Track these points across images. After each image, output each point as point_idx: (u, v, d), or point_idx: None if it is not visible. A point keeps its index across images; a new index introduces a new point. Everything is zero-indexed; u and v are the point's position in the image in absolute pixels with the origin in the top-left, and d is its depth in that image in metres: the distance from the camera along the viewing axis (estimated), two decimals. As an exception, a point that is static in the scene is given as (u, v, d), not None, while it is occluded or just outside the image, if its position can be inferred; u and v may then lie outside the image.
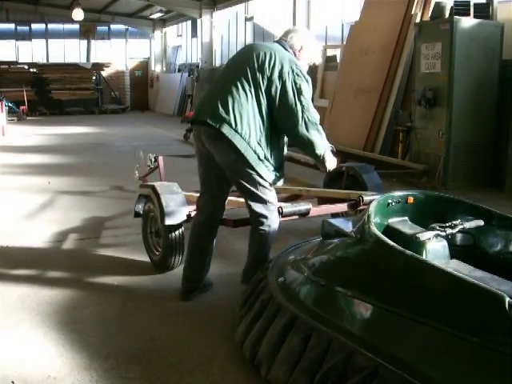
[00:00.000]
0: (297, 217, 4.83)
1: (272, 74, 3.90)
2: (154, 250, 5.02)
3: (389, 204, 3.39)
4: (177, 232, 4.69)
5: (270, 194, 4.05)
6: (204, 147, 4.05)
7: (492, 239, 3.30)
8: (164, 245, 4.75)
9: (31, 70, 25.97)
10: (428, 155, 8.93)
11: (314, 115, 4.01)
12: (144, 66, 30.35)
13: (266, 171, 3.95)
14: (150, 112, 27.35)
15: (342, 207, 5.14)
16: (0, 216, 6.95)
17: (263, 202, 4.02)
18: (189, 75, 23.89)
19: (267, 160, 3.95)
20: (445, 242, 3.08)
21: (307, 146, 4.03)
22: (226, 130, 3.82)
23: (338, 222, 3.55)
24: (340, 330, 2.69)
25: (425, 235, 2.97)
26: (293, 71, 3.94)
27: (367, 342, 2.54)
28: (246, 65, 3.96)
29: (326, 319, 2.81)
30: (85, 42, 28.59)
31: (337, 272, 3.10)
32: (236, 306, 3.72)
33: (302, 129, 3.93)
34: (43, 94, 25.00)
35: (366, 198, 5.02)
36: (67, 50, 28.34)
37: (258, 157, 3.90)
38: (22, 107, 22.57)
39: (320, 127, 4.06)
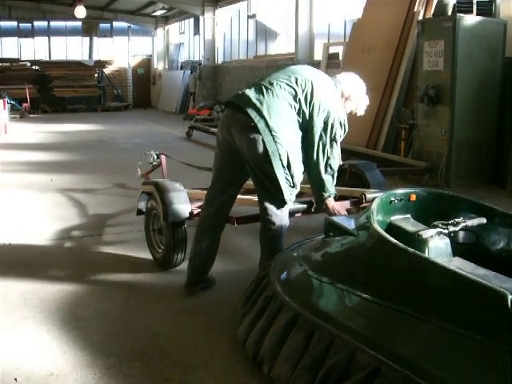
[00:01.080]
0: (299, 214, 4.83)
1: (314, 110, 4.05)
2: (157, 247, 5.03)
3: (391, 202, 3.39)
4: (179, 229, 4.69)
5: (287, 194, 4.05)
6: (230, 136, 4.05)
7: (495, 237, 3.30)
8: (166, 242, 4.75)
9: (34, 67, 25.96)
10: (430, 153, 8.91)
11: (336, 163, 4.22)
12: (146, 63, 30.35)
13: (283, 180, 3.97)
14: (153, 109, 27.35)
15: (345, 205, 5.13)
16: (3, 213, 6.96)
17: (278, 201, 4.07)
18: (191, 73, 23.88)
19: (289, 170, 3.97)
20: (447, 240, 3.08)
21: (318, 182, 4.20)
22: (261, 125, 3.87)
23: (341, 220, 3.55)
24: (342, 327, 2.69)
25: (427, 233, 2.97)
26: (339, 121, 4.17)
27: (370, 340, 2.54)
28: (296, 83, 4.09)
29: (329, 317, 2.81)
30: (87, 39, 28.59)
31: (339, 269, 3.10)
32: (239, 304, 3.73)
33: (321, 168, 4.13)
34: (46, 91, 25.00)
35: (369, 196, 5.02)
36: (69, 48, 28.34)
37: (282, 163, 3.92)
38: (24, 104, 22.57)
39: (336, 174, 4.27)
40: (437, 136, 8.77)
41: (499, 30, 8.66)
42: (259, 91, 4.08)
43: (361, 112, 4.65)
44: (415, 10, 10.57)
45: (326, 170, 4.14)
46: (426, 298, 2.52)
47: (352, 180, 5.99)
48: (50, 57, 27.84)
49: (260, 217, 4.20)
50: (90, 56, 28.36)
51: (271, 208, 4.07)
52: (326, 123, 4.07)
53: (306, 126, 4.05)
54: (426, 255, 2.89)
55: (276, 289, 3.27)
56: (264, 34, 19.64)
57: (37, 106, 24.02)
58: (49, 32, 28.02)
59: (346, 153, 10.17)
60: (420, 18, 10.27)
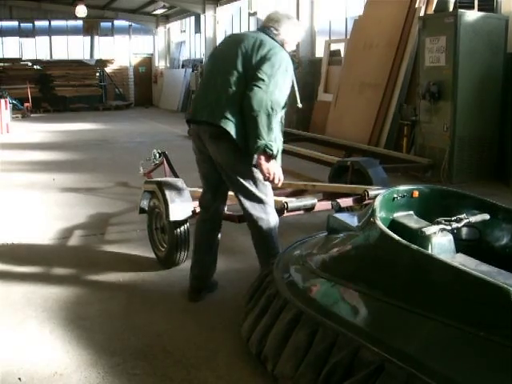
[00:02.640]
0: (302, 212, 4.83)
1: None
2: (160, 246, 5.03)
3: (394, 198, 3.38)
4: (182, 228, 4.69)
5: (267, 192, 3.99)
6: (205, 147, 3.99)
7: (498, 233, 3.30)
8: (169, 241, 4.75)
9: (35, 66, 25.95)
10: (433, 149, 8.90)
11: (278, 106, 3.71)
12: (148, 62, 30.33)
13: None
14: (154, 108, 27.34)
15: (348, 202, 5.13)
16: (5, 213, 6.97)
17: (260, 201, 3.95)
18: (192, 71, 23.84)
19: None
20: (450, 236, 3.07)
21: (252, 124, 3.70)
22: (227, 125, 3.74)
23: (344, 217, 3.55)
24: (346, 324, 2.69)
25: (430, 229, 2.96)
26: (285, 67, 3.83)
27: (373, 337, 2.53)
28: (236, 56, 3.85)
29: (332, 314, 2.81)
30: (88, 38, 28.57)
31: (342, 267, 3.10)
32: (242, 302, 3.72)
33: (257, 106, 3.65)
34: (47, 90, 25.00)
35: (372, 193, 5.02)
36: (71, 47, 28.32)
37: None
38: (26, 104, 22.59)
39: (276, 122, 3.74)
40: (439, 132, 8.76)
41: (501, 26, 8.64)
42: (207, 91, 3.97)
43: (299, 39, 4.36)
44: (416, 6, 10.55)
45: (262, 111, 3.64)
46: (430, 294, 2.51)
47: (354, 177, 5.99)
48: (51, 56, 27.83)
49: (247, 223, 4.10)
50: (92, 55, 28.36)
51: (254, 213, 3.97)
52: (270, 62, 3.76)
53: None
54: (429, 252, 2.89)
55: (279, 287, 3.27)
56: (265, 31, 19.62)
57: (38, 106, 24.02)
58: (50, 31, 28.01)
59: (348, 150, 10.27)
60: (421, 14, 10.26)
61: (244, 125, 3.75)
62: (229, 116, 3.76)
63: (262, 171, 3.80)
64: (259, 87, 3.67)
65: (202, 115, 3.91)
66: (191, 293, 4.30)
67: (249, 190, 3.92)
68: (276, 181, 3.84)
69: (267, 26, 4.09)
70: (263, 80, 3.69)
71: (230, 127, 3.75)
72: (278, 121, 3.81)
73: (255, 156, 3.79)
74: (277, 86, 3.72)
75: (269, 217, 4.00)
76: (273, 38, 3.98)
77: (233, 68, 3.84)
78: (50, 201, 7.57)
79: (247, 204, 3.97)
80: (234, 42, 4.03)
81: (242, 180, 3.90)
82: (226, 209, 4.45)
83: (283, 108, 3.83)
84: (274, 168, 3.79)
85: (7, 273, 4.84)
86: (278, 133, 3.84)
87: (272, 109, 3.66)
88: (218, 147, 3.87)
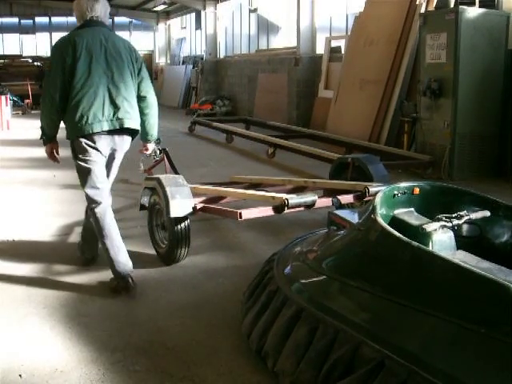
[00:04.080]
0: (302, 208, 4.83)
1: (133, 58, 4.53)
2: (160, 242, 5.03)
3: (395, 195, 3.38)
4: (183, 224, 4.69)
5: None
6: (109, 149, 4.43)
7: (498, 230, 3.30)
8: (170, 237, 4.75)
9: (35, 63, 25.95)
10: (433, 146, 8.90)
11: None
12: (148, 58, 30.33)
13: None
14: (155, 104, 27.30)
15: (348, 198, 5.13)
16: (6, 210, 6.97)
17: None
18: (193, 67, 23.87)
19: None
20: (451, 233, 3.07)
21: (155, 115, 4.83)
22: (129, 123, 4.37)
23: (344, 214, 3.55)
24: (346, 321, 2.69)
25: (431, 226, 2.96)
26: (133, 47, 4.64)
27: (374, 334, 2.54)
28: (119, 59, 4.37)
29: (333, 311, 2.81)
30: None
31: (343, 263, 3.10)
32: (242, 298, 3.73)
33: (156, 100, 4.84)
34: (48, 87, 24.95)
35: (372, 189, 5.02)
36: (71, 43, 28.28)
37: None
38: (26, 101, 22.56)
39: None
40: (440, 129, 8.76)
41: (502, 22, 8.64)
42: (97, 98, 4.23)
43: None
44: (417, 2, 10.56)
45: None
46: (430, 291, 2.51)
47: (355, 174, 5.99)
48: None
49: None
50: (92, 51, 28.31)
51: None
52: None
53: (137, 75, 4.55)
54: (430, 248, 2.89)
55: (280, 283, 3.27)
56: (266, 28, 19.63)
57: (39, 103, 23.82)
58: (50, 28, 28.03)
59: (348, 146, 10.27)
60: (422, 10, 10.25)
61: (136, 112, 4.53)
62: (127, 112, 4.44)
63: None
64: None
65: (104, 125, 4.36)
66: (85, 262, 4.83)
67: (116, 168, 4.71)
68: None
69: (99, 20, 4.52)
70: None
71: (131, 123, 4.46)
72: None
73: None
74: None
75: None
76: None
77: (109, 68, 4.40)
78: (50, 197, 7.57)
79: (112, 177, 4.70)
80: (97, 41, 4.39)
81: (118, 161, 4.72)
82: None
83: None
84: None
85: (8, 269, 4.83)
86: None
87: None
88: (121, 143, 4.54)
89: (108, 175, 4.55)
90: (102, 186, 4.38)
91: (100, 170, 4.38)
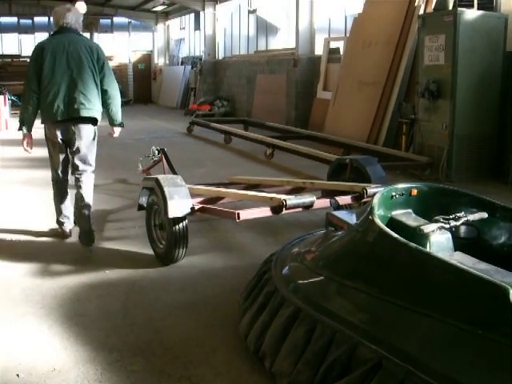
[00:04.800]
0: (301, 209, 4.83)
1: (94, 57, 5.36)
2: (158, 242, 5.03)
3: (392, 196, 3.38)
4: (181, 224, 4.70)
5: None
6: (70, 133, 5.38)
7: (496, 231, 3.30)
8: (168, 237, 4.75)
9: (34, 63, 25.88)
10: (432, 147, 8.91)
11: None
12: (147, 58, 30.32)
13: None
14: (153, 105, 27.34)
15: (346, 199, 5.14)
16: (4, 209, 6.96)
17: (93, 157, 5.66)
18: (192, 68, 23.86)
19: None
20: (448, 235, 3.08)
21: (117, 105, 5.61)
22: (84, 113, 5.30)
23: (342, 215, 3.55)
24: (344, 322, 2.70)
25: (428, 227, 2.96)
26: (98, 46, 5.52)
27: (371, 335, 2.54)
28: (78, 59, 5.28)
29: (330, 311, 2.82)
30: (88, 35, 28.53)
31: (341, 264, 3.10)
32: (240, 299, 3.73)
33: (117, 92, 5.59)
34: (46, 87, 24.95)
35: (370, 191, 5.02)
36: (70, 43, 28.26)
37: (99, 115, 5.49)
38: (25, 101, 22.52)
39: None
40: (438, 130, 8.77)
41: (500, 25, 8.64)
42: (60, 93, 5.27)
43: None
44: (416, 4, 10.56)
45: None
46: (428, 292, 2.52)
47: (353, 175, 6.00)
48: (50, 53, 27.78)
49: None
50: (91, 52, 28.29)
51: (91, 163, 5.65)
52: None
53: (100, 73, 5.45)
54: (428, 250, 2.90)
55: (277, 284, 3.28)
56: (265, 29, 19.63)
57: (37, 102, 23.95)
58: (49, 28, 27.90)
59: (346, 148, 10.28)
60: (421, 12, 10.26)
61: (96, 103, 5.47)
62: (87, 104, 5.40)
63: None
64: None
65: (71, 113, 5.35)
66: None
67: (90, 147, 5.66)
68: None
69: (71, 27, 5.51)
70: None
71: (92, 113, 5.45)
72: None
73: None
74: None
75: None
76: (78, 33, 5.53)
77: (75, 67, 5.37)
78: (48, 197, 7.55)
79: (89, 157, 5.65)
80: (64, 45, 5.38)
81: (87, 141, 5.58)
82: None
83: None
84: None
85: (6, 269, 4.84)
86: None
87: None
88: (80, 130, 5.46)
89: (77, 152, 5.49)
90: (58, 160, 5.61)
91: (58, 145, 5.52)
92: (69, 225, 5.77)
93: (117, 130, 5.88)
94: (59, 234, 5.75)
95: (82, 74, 5.28)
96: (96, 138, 5.63)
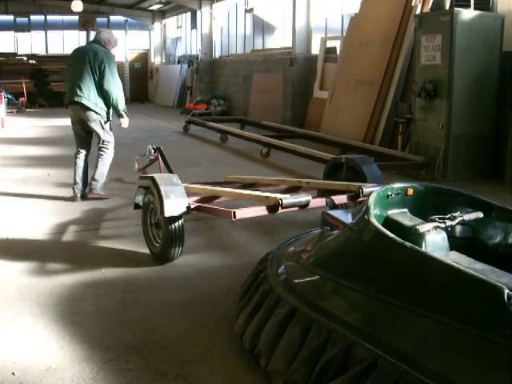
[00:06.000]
0: (296, 208, 4.83)
1: (97, 62, 6.99)
2: (154, 241, 5.03)
3: (388, 196, 3.39)
4: (177, 223, 4.70)
5: (106, 131, 7.33)
6: (80, 117, 7.18)
7: (491, 231, 3.31)
8: (164, 236, 4.75)
9: (30, 61, 25.88)
10: (428, 147, 8.92)
11: (119, 83, 7.23)
12: (143, 57, 30.31)
13: (102, 112, 7.17)
14: (150, 104, 27.32)
15: (342, 199, 5.14)
16: (0, 208, 6.95)
17: (104, 135, 7.30)
18: (188, 67, 23.85)
19: (101, 108, 7.13)
20: (444, 234, 3.08)
21: (115, 99, 7.07)
22: (78, 99, 7.02)
23: (338, 214, 3.56)
24: (340, 321, 2.70)
25: (424, 227, 2.97)
26: (106, 54, 7.08)
27: (367, 334, 2.54)
28: (84, 62, 7.00)
29: (326, 310, 2.82)
30: (84, 33, 28.50)
31: (336, 263, 3.10)
32: (236, 298, 3.73)
33: (114, 89, 7.05)
34: (42, 85, 24.96)
35: (366, 190, 5.03)
36: (66, 42, 28.24)
37: (99, 107, 7.11)
38: (21, 99, 22.53)
39: (122, 93, 7.27)
40: (434, 130, 8.77)
41: (497, 24, 8.65)
42: (73, 85, 7.09)
43: (118, 44, 7.62)
44: (413, 4, 10.57)
45: (115, 90, 7.13)
46: (423, 292, 2.52)
47: (349, 174, 6.00)
48: (46, 51, 27.78)
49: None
50: (87, 50, 28.24)
51: (105, 139, 7.34)
52: (104, 65, 7.03)
53: (101, 76, 7.05)
54: (423, 249, 2.90)
55: (273, 283, 3.28)
56: (261, 28, 19.62)
57: (34, 101, 23.96)
58: (45, 26, 27.94)
59: (343, 147, 10.28)
60: (417, 12, 10.27)
61: (92, 99, 7.15)
62: (85, 96, 7.12)
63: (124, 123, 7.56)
64: (114, 84, 7.22)
65: (74, 98, 7.14)
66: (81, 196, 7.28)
67: (98, 128, 7.31)
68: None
69: (98, 37, 7.42)
70: (112, 77, 7.30)
71: (88, 103, 7.12)
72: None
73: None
74: (116, 74, 7.36)
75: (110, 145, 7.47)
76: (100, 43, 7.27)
77: (85, 68, 7.08)
78: (44, 196, 7.56)
79: (100, 133, 7.32)
80: (83, 52, 7.32)
81: (93, 124, 7.25)
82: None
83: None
84: (127, 119, 7.60)
85: (2, 268, 4.83)
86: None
87: (120, 88, 7.28)
88: (85, 113, 7.17)
89: (93, 131, 7.33)
90: (76, 138, 7.53)
91: (76, 127, 7.44)
92: (77, 190, 7.24)
93: (124, 121, 7.44)
94: (69, 197, 7.28)
95: (83, 74, 7.01)
96: (104, 124, 7.22)
